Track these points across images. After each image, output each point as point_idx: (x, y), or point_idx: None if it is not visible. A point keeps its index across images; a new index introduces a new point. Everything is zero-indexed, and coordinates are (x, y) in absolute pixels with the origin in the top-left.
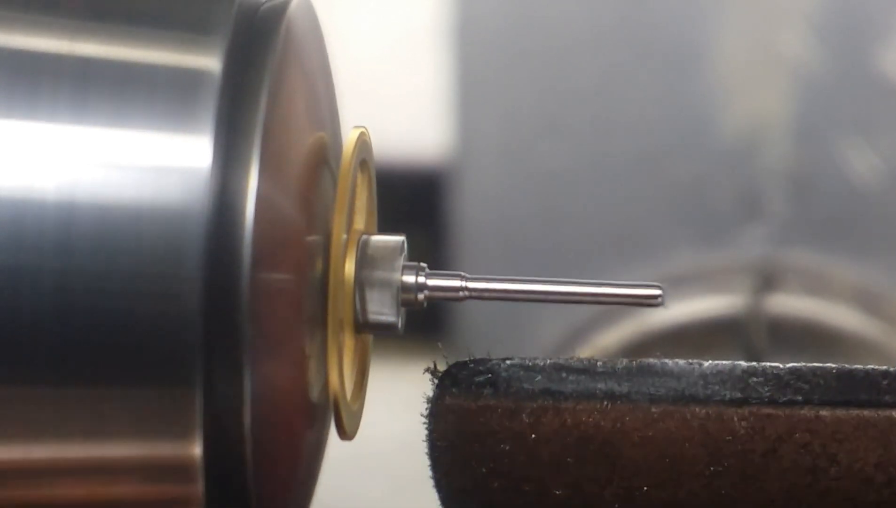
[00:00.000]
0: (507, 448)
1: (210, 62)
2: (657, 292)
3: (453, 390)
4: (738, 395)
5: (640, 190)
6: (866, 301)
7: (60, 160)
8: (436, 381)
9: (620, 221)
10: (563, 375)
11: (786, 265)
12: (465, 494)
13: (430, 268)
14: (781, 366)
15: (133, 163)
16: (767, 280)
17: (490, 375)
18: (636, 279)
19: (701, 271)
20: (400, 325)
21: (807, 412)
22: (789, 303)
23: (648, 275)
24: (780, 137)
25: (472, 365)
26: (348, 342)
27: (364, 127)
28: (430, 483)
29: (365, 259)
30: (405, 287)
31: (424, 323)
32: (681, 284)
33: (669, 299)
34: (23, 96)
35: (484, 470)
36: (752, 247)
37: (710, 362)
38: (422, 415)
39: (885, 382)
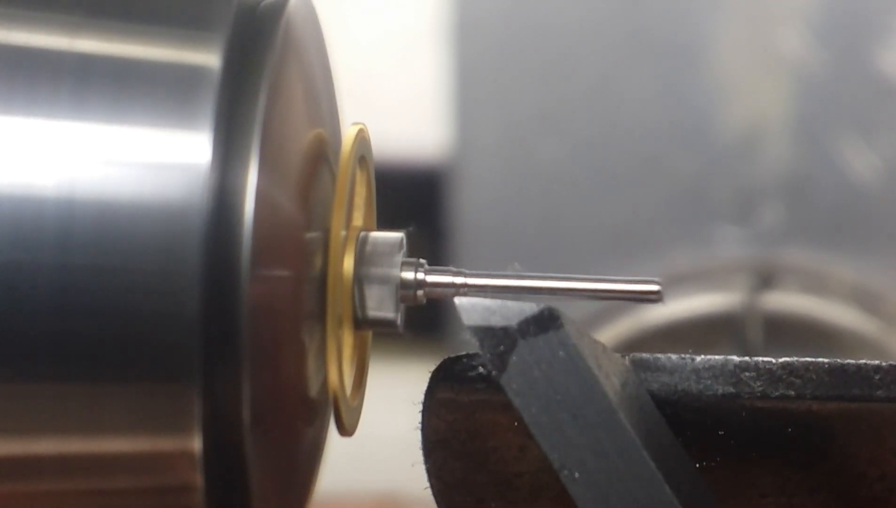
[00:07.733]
0: (500, 442)
1: (209, 59)
2: (656, 287)
3: (446, 383)
4: (731, 390)
5: (639, 188)
6: (863, 299)
7: (60, 157)
8: None
9: (619, 219)
10: None
11: (783, 264)
12: (458, 488)
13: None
14: (774, 361)
15: (132, 160)
16: (765, 278)
17: (484, 369)
18: (635, 276)
19: (699, 269)
20: (399, 321)
21: (798, 406)
22: (786, 301)
23: (647, 272)
24: (779, 136)
25: (465, 359)
26: (347, 338)
27: (363, 123)
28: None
29: (364, 255)
30: (404, 283)
31: (424, 322)
32: (679, 281)
33: (667, 295)
34: (22, 92)
35: (476, 465)
36: (749, 245)
37: (702, 357)
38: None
39: (877, 377)
